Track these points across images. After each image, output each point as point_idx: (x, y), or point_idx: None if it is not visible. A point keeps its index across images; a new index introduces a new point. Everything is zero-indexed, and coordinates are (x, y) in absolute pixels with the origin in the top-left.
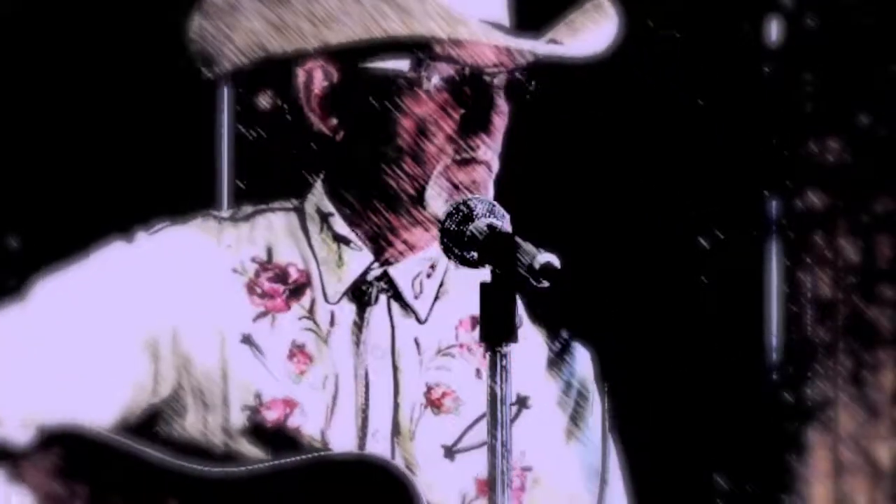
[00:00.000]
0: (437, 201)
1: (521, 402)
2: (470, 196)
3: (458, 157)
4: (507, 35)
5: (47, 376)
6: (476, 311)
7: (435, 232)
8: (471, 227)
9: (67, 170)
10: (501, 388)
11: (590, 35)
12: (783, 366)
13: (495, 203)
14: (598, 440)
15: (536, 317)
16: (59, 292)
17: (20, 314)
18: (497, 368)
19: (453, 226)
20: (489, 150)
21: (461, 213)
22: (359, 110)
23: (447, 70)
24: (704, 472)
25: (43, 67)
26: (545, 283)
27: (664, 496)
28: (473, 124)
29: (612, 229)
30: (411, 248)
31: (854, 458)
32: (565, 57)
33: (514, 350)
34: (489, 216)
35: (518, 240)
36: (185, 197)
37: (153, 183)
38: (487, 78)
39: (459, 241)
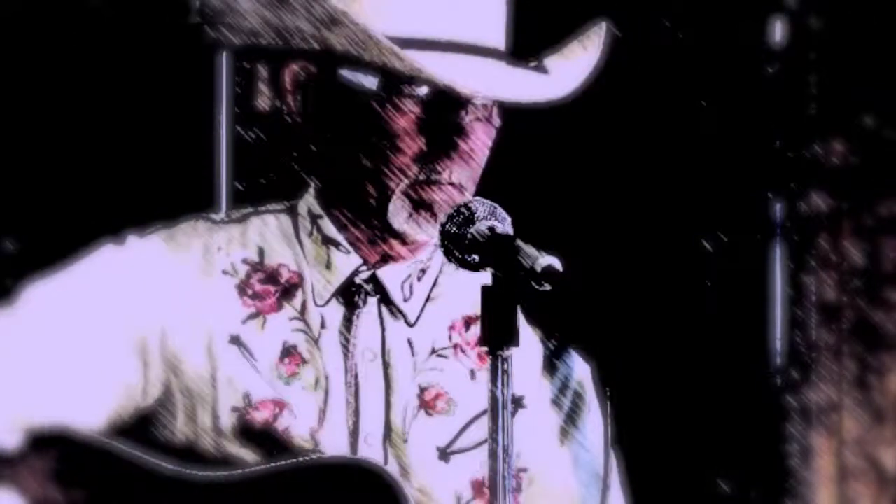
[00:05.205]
0: (399, 217)
1: (517, 403)
2: (471, 198)
3: (421, 177)
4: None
5: (36, 380)
6: (470, 312)
7: (417, 244)
8: (472, 230)
9: (65, 172)
10: (503, 393)
11: (566, 70)
12: (787, 369)
13: (497, 205)
14: (594, 441)
15: (537, 319)
16: (49, 295)
17: (9, 317)
18: (498, 372)
19: (454, 228)
20: (456, 172)
21: (462, 216)
22: (332, 116)
23: (419, 90)
24: (708, 477)
25: (39, 70)
26: (547, 287)
27: (667, 501)
28: (438, 147)
29: (614, 232)
30: (393, 258)
31: (859, 463)
32: (521, 102)
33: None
34: (490, 219)
35: (519, 242)
36: (183, 199)
37: (151, 185)
38: (459, 101)
39: (460, 243)
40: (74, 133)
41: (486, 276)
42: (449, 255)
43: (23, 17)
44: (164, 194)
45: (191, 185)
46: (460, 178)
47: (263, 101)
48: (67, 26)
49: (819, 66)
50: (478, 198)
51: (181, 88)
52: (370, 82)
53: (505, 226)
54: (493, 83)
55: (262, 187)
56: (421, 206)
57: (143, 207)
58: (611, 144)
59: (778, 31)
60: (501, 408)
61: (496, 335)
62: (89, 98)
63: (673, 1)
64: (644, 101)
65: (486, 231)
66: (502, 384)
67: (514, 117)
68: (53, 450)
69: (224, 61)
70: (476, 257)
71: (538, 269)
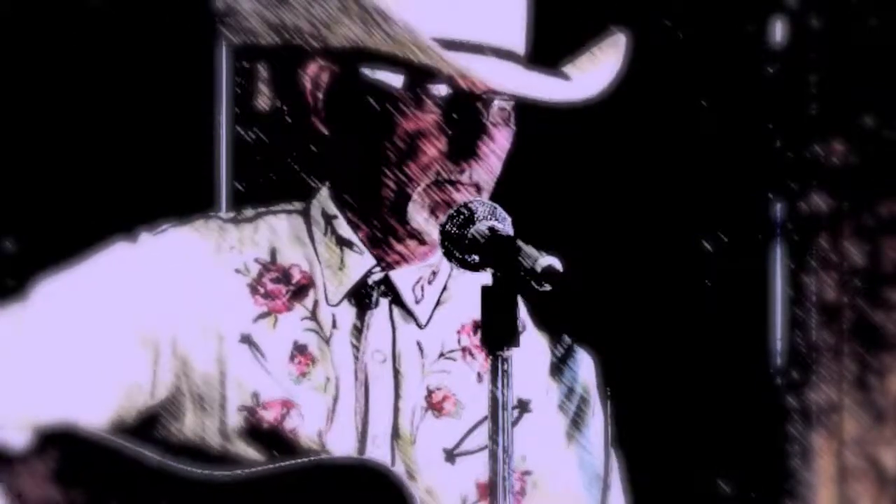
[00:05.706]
0: (419, 217)
1: (523, 406)
2: (471, 199)
3: (442, 178)
4: (495, 69)
5: (46, 377)
6: (478, 316)
7: (432, 244)
8: (472, 230)
9: (67, 171)
10: (503, 393)
11: (589, 75)
12: (787, 370)
13: (497, 206)
14: (599, 444)
15: (540, 321)
16: (61, 293)
17: (20, 314)
18: (498, 373)
19: (454, 229)
20: (476, 173)
21: (462, 216)
22: (354, 116)
23: (441, 91)
24: (708, 477)
25: (40, 70)
26: (547, 287)
27: (667, 501)
28: (460, 148)
29: (614, 232)
30: (407, 258)
31: (859, 463)
32: (546, 101)
33: (516, 354)
34: (491, 219)
35: (520, 243)
36: (183, 199)
37: (151, 185)
38: (481, 103)
39: (460, 244)
40: (74, 133)
41: (488, 277)
42: (449, 255)
43: (23, 17)
44: (164, 194)
45: (191, 185)
46: (479, 178)
47: (263, 101)
48: (67, 26)
49: (819, 66)
50: (478, 198)
51: (181, 88)
52: (395, 80)
53: (505, 226)
54: (518, 82)
55: (261, 187)
56: (441, 206)
57: (143, 207)
58: (611, 144)
59: (778, 31)
60: (501, 408)
61: (496, 335)
62: (89, 98)
63: (673, 1)
64: (644, 101)
65: (487, 231)
66: (503, 385)
67: (514, 118)
68: (56, 449)
69: (224, 61)
70: (476, 257)
71: (538, 269)
